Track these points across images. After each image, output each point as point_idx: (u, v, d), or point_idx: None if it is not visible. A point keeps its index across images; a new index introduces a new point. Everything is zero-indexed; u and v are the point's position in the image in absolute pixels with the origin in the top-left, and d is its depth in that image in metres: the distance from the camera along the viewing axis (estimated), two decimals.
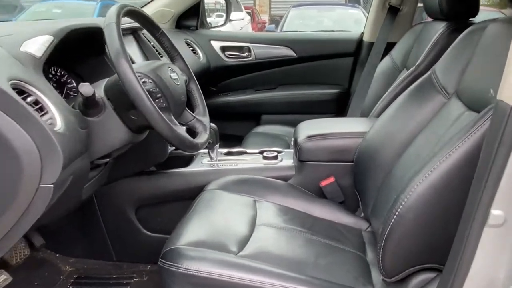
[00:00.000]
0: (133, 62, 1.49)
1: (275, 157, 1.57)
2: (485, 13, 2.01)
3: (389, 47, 2.05)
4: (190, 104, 1.36)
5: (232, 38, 2.53)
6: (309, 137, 1.47)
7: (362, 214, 1.40)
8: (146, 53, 1.68)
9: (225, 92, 2.53)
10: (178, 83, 1.17)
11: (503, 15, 1.57)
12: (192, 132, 1.27)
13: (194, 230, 1.14)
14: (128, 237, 1.57)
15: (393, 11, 2.11)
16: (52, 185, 0.88)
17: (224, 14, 2.99)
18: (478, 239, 0.75)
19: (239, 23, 8.21)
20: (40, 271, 1.56)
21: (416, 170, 1.02)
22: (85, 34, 1.22)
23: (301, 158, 1.47)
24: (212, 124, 1.50)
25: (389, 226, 0.91)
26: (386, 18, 2.10)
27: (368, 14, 2.42)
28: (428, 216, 0.89)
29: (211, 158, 1.57)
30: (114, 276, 1.56)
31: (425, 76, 1.31)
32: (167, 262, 1.01)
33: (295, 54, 2.47)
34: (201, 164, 1.56)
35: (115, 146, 1.13)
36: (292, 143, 1.61)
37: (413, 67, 1.65)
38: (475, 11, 1.64)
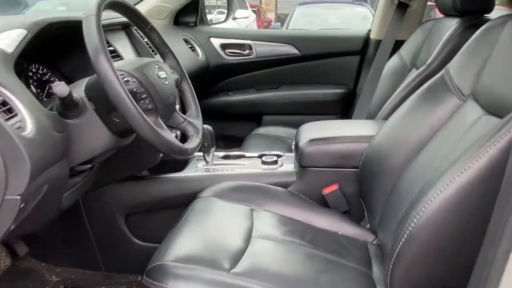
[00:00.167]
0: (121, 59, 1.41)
1: (275, 162, 1.47)
2: (495, 11, 1.90)
3: (398, 45, 1.95)
4: (182, 105, 1.26)
5: (233, 35, 2.43)
6: (312, 140, 1.37)
7: (368, 225, 1.30)
8: (139, 50, 1.59)
9: (225, 91, 2.44)
10: (166, 83, 1.07)
11: None
12: (183, 135, 1.17)
13: (183, 243, 1.05)
14: (117, 246, 1.48)
15: (402, 7, 2.01)
16: (18, 197, 0.78)
17: (226, 11, 2.89)
18: (505, 263, 0.64)
19: (244, 21, 8.11)
20: (24, 281, 1.47)
21: (428, 180, 0.92)
22: (67, 28, 1.12)
23: (303, 164, 1.37)
24: (208, 126, 1.41)
25: (399, 245, 0.81)
26: (394, 14, 2.00)
27: (376, 10, 2.31)
28: (444, 235, 0.79)
29: (206, 162, 1.47)
30: (103, 287, 1.47)
31: (437, 76, 1.21)
32: (151, 281, 0.92)
33: (298, 52, 2.37)
34: (195, 169, 1.47)
35: (97, 151, 1.04)
36: (293, 146, 1.51)
37: (424, 67, 1.55)
38: (490, 7, 1.54)
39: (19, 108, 0.84)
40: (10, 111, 0.83)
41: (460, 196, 0.77)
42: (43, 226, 1.12)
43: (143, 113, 0.95)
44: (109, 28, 1.43)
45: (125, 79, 0.98)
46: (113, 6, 1.03)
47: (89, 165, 1.11)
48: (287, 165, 1.48)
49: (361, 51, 2.33)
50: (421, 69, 1.55)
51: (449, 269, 0.81)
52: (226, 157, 1.55)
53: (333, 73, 2.37)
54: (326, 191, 1.35)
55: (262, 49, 2.37)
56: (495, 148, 0.75)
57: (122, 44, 1.47)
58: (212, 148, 1.45)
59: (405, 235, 0.80)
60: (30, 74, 1.18)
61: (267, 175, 1.43)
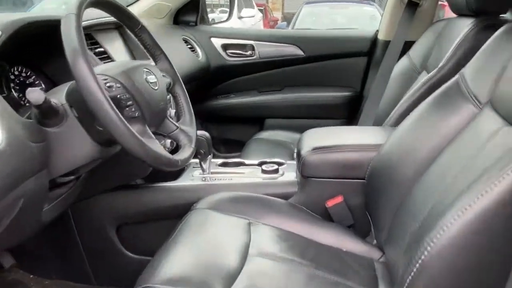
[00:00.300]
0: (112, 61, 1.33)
1: (275, 171, 1.38)
2: None
3: (407, 46, 1.85)
4: (176, 111, 1.18)
5: (235, 35, 2.34)
6: (315, 149, 1.28)
7: (375, 241, 1.21)
8: (134, 52, 1.51)
9: (226, 94, 2.35)
10: (156, 87, 0.99)
11: None
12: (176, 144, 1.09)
13: (173, 262, 0.97)
14: (108, 258, 1.40)
15: (412, 7, 1.91)
16: None
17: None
18: None
19: (250, 20, 8.04)
20: None
21: (442, 197, 0.84)
22: (49, 28, 1.04)
23: (305, 174, 1.28)
24: (205, 133, 1.33)
25: (410, 276, 0.72)
26: (404, 14, 1.90)
27: (384, 9, 2.21)
28: (462, 267, 0.69)
29: (203, 170, 1.39)
30: None
31: (452, 81, 1.12)
32: None
33: (303, 53, 2.27)
34: (191, 178, 1.38)
35: (80, 162, 0.95)
36: (295, 154, 1.42)
37: (435, 70, 1.45)
38: (508, 7, 1.44)
39: None
40: None
41: (481, 222, 0.67)
42: (25, 240, 1.04)
43: (128, 121, 0.86)
44: (100, 28, 1.36)
45: (108, 84, 0.89)
46: (98, 4, 0.95)
47: (72, 177, 1.02)
48: (289, 173, 1.40)
49: (369, 53, 2.23)
50: (433, 72, 1.46)
51: None
52: (224, 165, 1.47)
53: (339, 75, 2.28)
54: (330, 203, 1.26)
55: (265, 49, 2.28)
56: None
57: (114, 45, 1.39)
58: (209, 156, 1.37)
59: (417, 265, 0.71)
60: (12, 77, 1.10)
61: (267, 185, 1.34)
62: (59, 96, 0.92)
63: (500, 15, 1.48)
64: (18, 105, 1.07)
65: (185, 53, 2.03)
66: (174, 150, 1.12)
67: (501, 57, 1.00)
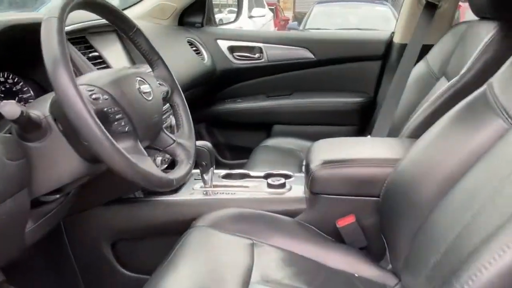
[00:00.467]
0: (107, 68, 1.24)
1: (282, 185, 1.28)
2: None
3: (424, 50, 1.74)
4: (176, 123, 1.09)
5: (242, 37, 2.25)
6: (325, 163, 1.18)
7: (390, 266, 1.10)
8: (133, 57, 1.42)
9: (232, 98, 2.26)
10: (150, 98, 0.90)
11: None
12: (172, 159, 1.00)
13: (170, 286, 0.90)
14: (103, 276, 1.32)
15: (430, 8, 1.80)
16: None
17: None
18: None
19: (261, 19, 7.96)
20: None
21: (470, 226, 0.74)
22: (35, 31, 0.95)
23: (314, 190, 1.18)
24: (207, 143, 1.24)
25: None
26: (422, 16, 1.79)
27: (400, 10, 2.10)
28: None
29: (204, 183, 1.30)
30: None
31: (479, 91, 1.02)
32: None
33: (313, 57, 2.17)
34: (191, 191, 1.29)
35: (65, 179, 0.87)
36: (304, 168, 1.32)
37: (457, 77, 1.34)
38: None
39: None
40: None
41: None
42: (7, 263, 0.96)
43: (116, 137, 0.78)
44: (96, 30, 1.27)
45: (94, 96, 0.80)
46: (85, 6, 0.85)
47: (57, 196, 0.94)
48: (297, 187, 1.30)
49: (383, 56, 2.13)
50: (455, 80, 1.35)
51: None
52: (227, 176, 1.38)
53: (352, 80, 2.17)
54: (341, 223, 1.16)
55: (274, 52, 2.19)
56: None
57: (112, 50, 1.30)
58: (212, 168, 1.28)
59: None
60: None
61: (273, 201, 1.25)
62: (42, 108, 0.83)
63: None
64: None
65: (190, 56, 1.95)
66: (171, 165, 1.04)
67: None
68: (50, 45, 0.73)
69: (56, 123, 0.83)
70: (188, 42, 2.00)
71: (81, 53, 1.14)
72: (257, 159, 1.78)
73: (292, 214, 1.20)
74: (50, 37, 0.73)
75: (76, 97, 0.71)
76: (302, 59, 2.18)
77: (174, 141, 0.98)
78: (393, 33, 2.13)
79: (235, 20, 2.58)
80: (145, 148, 0.93)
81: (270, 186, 1.28)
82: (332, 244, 1.14)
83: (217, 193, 1.28)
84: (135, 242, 1.29)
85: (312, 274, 1.02)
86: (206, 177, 1.29)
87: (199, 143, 1.22)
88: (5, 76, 1.04)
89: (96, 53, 1.20)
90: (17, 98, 1.04)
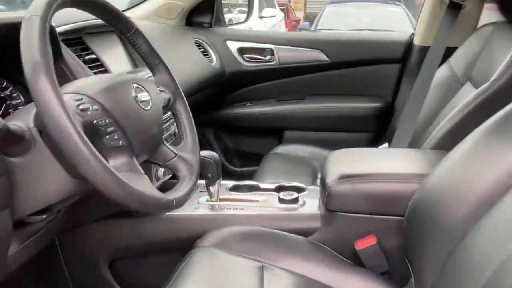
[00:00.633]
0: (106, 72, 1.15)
1: (295, 200, 1.18)
2: None
3: (447, 53, 1.64)
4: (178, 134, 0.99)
5: (252, 38, 2.15)
6: (343, 177, 1.08)
7: None
8: (135, 59, 1.33)
9: (242, 102, 2.17)
10: (147, 108, 0.80)
11: None
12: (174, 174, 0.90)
13: None
14: None
15: (454, 9, 1.68)
16: None
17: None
18: None
19: (272, 20, 7.88)
20: None
21: None
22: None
23: (330, 207, 1.08)
24: (213, 153, 1.15)
25: None
26: (445, 16, 1.68)
27: (421, 11, 1.99)
28: None
29: (210, 196, 1.20)
30: None
31: None
32: None
33: (327, 59, 2.07)
34: (196, 205, 1.19)
35: (52, 198, 0.77)
36: (319, 181, 1.21)
37: (487, 84, 1.23)
38: None
39: None
40: None
41: None
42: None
43: (108, 153, 0.68)
44: (95, 31, 1.18)
45: (82, 106, 0.70)
46: (75, 4, 0.76)
47: (44, 216, 0.84)
48: (311, 202, 1.19)
49: (402, 59, 2.02)
50: (484, 87, 1.23)
51: None
52: (235, 188, 1.28)
53: (368, 84, 2.07)
54: (360, 245, 1.05)
55: (286, 54, 2.09)
56: None
57: (112, 52, 1.21)
58: (218, 180, 1.18)
59: None
60: None
61: (285, 219, 1.15)
62: (26, 118, 0.74)
63: None
64: None
65: (197, 58, 1.86)
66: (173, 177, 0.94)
67: None
68: (30, 47, 0.63)
69: (41, 136, 0.74)
70: (195, 43, 1.92)
71: (77, 55, 1.04)
72: (267, 167, 1.69)
73: (305, 233, 1.10)
74: (31, 38, 0.64)
75: (58, 107, 0.61)
76: (315, 62, 2.09)
77: (176, 154, 0.88)
78: (412, 34, 2.03)
79: (246, 20, 2.49)
80: (143, 163, 0.83)
81: (281, 201, 1.18)
82: (350, 268, 1.04)
83: (224, 208, 1.18)
84: (135, 260, 1.21)
85: None
86: (212, 189, 1.19)
87: (205, 153, 1.12)
88: None
89: (93, 56, 1.11)
90: (5, 104, 0.96)
